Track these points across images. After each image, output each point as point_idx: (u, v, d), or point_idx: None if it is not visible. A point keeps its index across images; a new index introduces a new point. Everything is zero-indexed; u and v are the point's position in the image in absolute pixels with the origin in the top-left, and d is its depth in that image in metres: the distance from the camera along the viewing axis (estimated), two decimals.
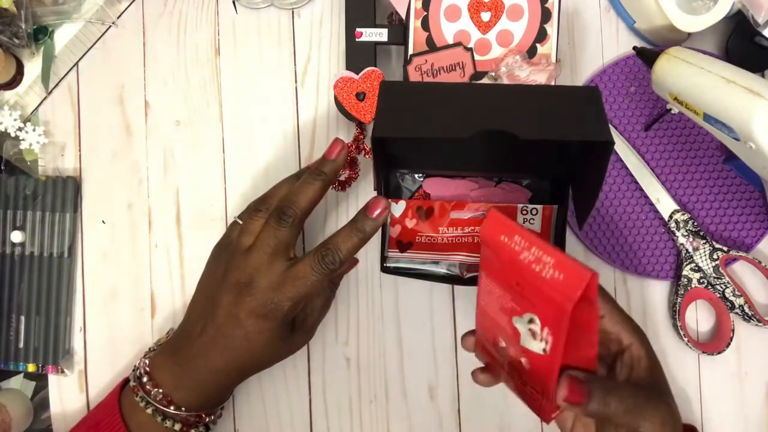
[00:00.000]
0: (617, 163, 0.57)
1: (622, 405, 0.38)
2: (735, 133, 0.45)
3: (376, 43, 0.54)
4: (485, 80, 0.52)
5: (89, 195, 0.58)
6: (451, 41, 0.52)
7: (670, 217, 0.57)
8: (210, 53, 0.59)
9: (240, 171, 0.58)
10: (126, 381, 0.51)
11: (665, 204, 0.57)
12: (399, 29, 0.53)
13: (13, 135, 0.55)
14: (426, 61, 0.52)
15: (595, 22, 0.59)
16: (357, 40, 0.53)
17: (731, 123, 0.45)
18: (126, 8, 0.59)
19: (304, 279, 0.45)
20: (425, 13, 0.52)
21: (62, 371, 0.56)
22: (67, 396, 0.57)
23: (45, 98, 0.58)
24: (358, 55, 0.54)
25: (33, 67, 0.56)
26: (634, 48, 0.55)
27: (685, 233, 0.56)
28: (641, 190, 0.57)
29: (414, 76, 0.52)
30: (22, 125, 0.55)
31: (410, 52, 0.52)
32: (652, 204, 0.57)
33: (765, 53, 0.56)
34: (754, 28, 0.53)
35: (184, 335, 0.49)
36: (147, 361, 0.49)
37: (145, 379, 0.48)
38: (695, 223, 0.56)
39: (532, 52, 0.52)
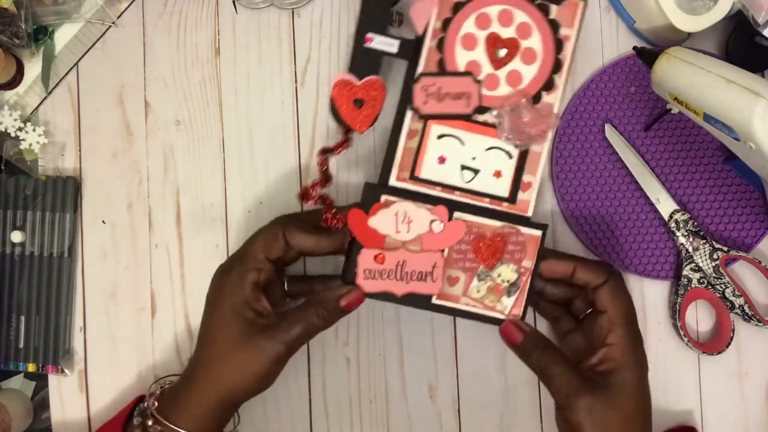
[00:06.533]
0: (617, 163, 0.57)
1: (537, 365, 0.48)
2: (735, 133, 0.45)
3: (385, 53, 0.51)
4: (487, 116, 0.51)
5: (89, 195, 0.58)
6: (462, 69, 0.51)
7: (670, 217, 0.57)
8: (210, 53, 0.59)
9: (240, 171, 0.58)
10: (129, 412, 0.50)
11: (665, 204, 0.57)
12: (410, 44, 0.51)
13: (13, 135, 0.55)
14: (434, 83, 0.50)
15: (595, 22, 0.59)
16: (365, 45, 0.51)
17: (731, 123, 0.45)
18: (126, 8, 0.59)
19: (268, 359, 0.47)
20: (442, 35, 0.50)
21: (62, 371, 0.56)
22: (67, 396, 0.57)
23: (45, 98, 0.58)
24: (363, 61, 0.51)
25: (33, 67, 0.56)
26: (634, 48, 0.55)
27: (685, 233, 0.56)
28: (641, 190, 0.57)
29: (419, 96, 0.50)
30: (22, 125, 0.55)
31: (420, 70, 0.50)
32: (652, 204, 0.57)
33: (765, 53, 0.56)
34: (754, 28, 0.53)
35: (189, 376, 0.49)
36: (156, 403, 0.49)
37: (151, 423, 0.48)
38: (695, 223, 0.56)
39: (537, 98, 0.51)
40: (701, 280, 0.56)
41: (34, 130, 0.56)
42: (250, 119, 0.58)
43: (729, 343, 0.56)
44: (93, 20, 0.57)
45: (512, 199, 0.51)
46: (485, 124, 0.51)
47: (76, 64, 0.58)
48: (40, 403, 0.57)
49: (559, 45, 0.51)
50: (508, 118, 0.50)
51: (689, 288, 0.56)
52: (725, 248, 0.56)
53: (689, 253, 0.56)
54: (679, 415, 0.57)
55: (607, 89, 0.58)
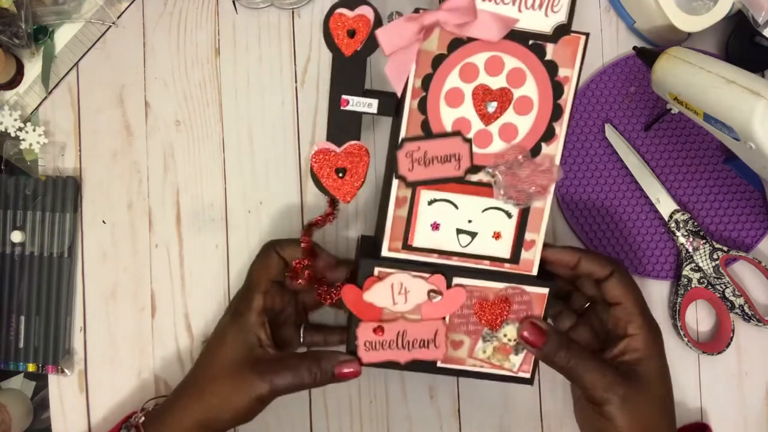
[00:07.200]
0: (617, 163, 0.57)
1: (565, 365, 0.46)
2: (735, 133, 0.45)
3: (364, 114, 0.47)
4: (481, 175, 0.47)
5: (89, 195, 0.58)
6: (449, 128, 0.46)
7: (670, 217, 0.57)
8: (210, 53, 0.59)
9: (240, 171, 0.58)
10: (121, 426, 0.51)
11: (665, 204, 0.57)
12: (391, 99, 0.46)
13: (13, 135, 0.55)
14: (419, 148, 0.46)
15: (595, 22, 0.59)
16: (342, 108, 0.46)
17: (731, 123, 0.45)
18: (126, 8, 0.59)
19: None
20: (424, 94, 0.45)
21: (62, 371, 0.56)
22: (67, 396, 0.57)
23: (45, 98, 0.58)
24: (341, 125, 0.47)
25: (33, 67, 0.56)
26: (634, 48, 0.55)
27: (685, 233, 0.56)
28: (641, 190, 0.57)
29: (404, 163, 0.46)
30: (22, 125, 0.55)
31: (402, 135, 0.46)
32: (652, 204, 0.57)
33: (765, 53, 0.56)
34: (754, 28, 0.53)
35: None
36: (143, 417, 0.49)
37: None
38: (695, 223, 0.56)
39: (536, 151, 0.46)
40: (701, 280, 0.56)
41: (34, 130, 0.56)
42: (250, 119, 0.58)
43: (729, 343, 0.56)
44: (93, 20, 0.57)
45: (515, 259, 0.48)
46: (479, 184, 0.47)
47: (76, 64, 0.58)
48: (40, 403, 0.57)
49: (557, 89, 0.46)
50: (504, 176, 0.46)
51: (689, 288, 0.56)
52: (725, 248, 0.56)
53: (689, 253, 0.56)
54: (679, 414, 0.57)
55: (607, 89, 0.58)
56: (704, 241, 0.56)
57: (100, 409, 0.57)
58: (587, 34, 0.45)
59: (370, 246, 0.50)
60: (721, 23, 0.53)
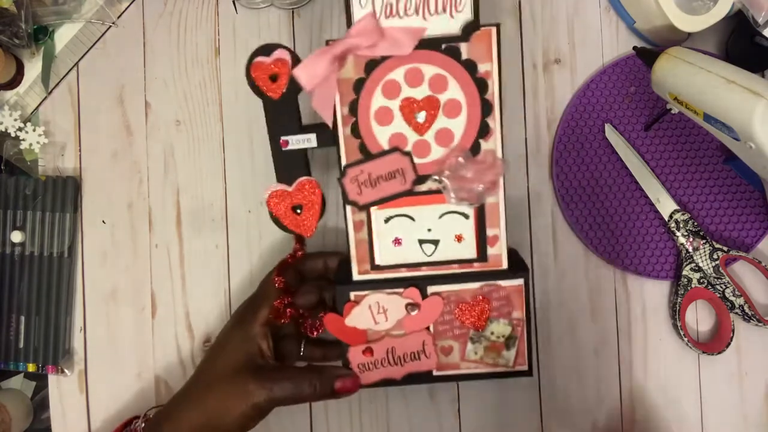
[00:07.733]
0: (617, 163, 0.57)
1: None
2: (735, 133, 0.45)
3: (307, 150, 0.48)
4: (429, 184, 0.48)
5: (89, 195, 0.58)
6: (386, 146, 0.47)
7: (670, 217, 0.57)
8: (210, 53, 0.59)
9: (240, 171, 0.58)
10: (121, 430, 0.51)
11: (665, 204, 0.57)
12: (327, 131, 0.47)
13: (13, 135, 0.55)
14: (362, 171, 0.47)
15: (595, 22, 0.59)
16: (284, 149, 0.48)
17: (731, 123, 0.45)
18: (126, 8, 0.59)
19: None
20: (354, 119, 0.47)
21: (62, 371, 0.56)
22: (67, 396, 0.57)
23: (45, 98, 0.58)
24: (287, 165, 0.48)
25: (33, 67, 0.56)
26: (634, 48, 0.55)
27: (685, 233, 0.56)
28: (641, 190, 0.57)
29: (351, 189, 0.48)
30: (22, 125, 0.55)
31: (343, 162, 0.47)
32: (652, 204, 0.57)
33: (765, 53, 0.56)
34: (754, 28, 0.53)
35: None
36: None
37: None
38: (695, 223, 0.56)
39: (475, 149, 0.47)
40: (701, 280, 0.56)
41: (34, 130, 0.56)
42: (250, 119, 0.58)
43: (729, 343, 0.56)
44: (93, 20, 0.57)
45: (482, 257, 0.49)
46: (430, 192, 0.48)
47: (76, 64, 0.58)
48: (40, 403, 0.57)
49: (482, 85, 0.46)
50: (451, 180, 0.47)
51: (689, 288, 0.56)
52: (725, 248, 0.56)
53: (689, 253, 0.56)
54: (678, 414, 0.58)
55: (607, 89, 0.58)
56: (704, 241, 0.56)
57: (99, 409, 0.57)
58: (497, 25, 0.46)
59: (345, 272, 0.50)
60: (721, 23, 0.53)
